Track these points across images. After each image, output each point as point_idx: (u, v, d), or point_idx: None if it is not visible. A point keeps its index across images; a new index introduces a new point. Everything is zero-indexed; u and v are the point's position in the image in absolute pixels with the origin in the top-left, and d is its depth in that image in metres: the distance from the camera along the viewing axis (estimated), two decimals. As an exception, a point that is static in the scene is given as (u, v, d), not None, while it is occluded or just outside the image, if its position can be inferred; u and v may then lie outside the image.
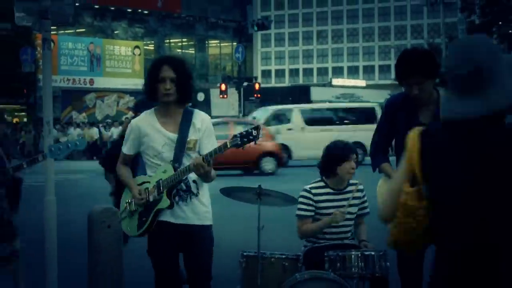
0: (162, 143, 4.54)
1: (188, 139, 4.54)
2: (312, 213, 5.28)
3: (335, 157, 5.28)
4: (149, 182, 4.56)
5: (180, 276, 4.68)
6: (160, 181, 4.49)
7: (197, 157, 4.38)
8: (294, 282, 4.71)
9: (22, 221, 5.95)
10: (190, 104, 4.84)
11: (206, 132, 4.61)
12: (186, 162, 4.50)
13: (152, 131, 4.57)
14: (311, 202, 5.29)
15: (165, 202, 4.48)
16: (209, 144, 4.52)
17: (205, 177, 4.43)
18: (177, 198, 4.50)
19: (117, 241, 5.27)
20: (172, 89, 4.49)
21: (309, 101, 55.10)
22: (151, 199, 4.50)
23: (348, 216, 5.28)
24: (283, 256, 5.02)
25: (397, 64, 4.64)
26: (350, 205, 5.28)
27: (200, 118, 4.63)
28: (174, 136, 4.55)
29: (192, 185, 4.52)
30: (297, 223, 5.33)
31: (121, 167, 4.74)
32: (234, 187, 5.16)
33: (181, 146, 4.53)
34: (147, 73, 4.68)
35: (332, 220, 5.14)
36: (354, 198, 5.33)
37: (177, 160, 4.50)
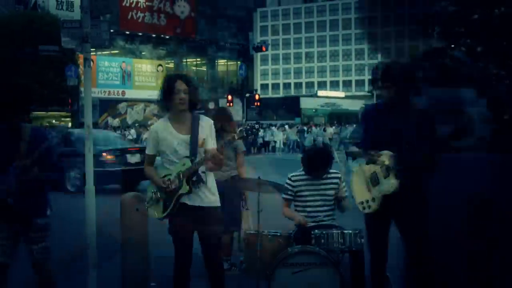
0: (176, 143, 4.55)
1: (199, 138, 4.57)
2: (291, 197, 5.39)
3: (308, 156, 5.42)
4: (170, 174, 4.56)
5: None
6: (180, 172, 4.50)
7: (212, 149, 4.45)
8: (287, 255, 4.73)
9: (67, 205, 5.96)
10: (202, 111, 4.84)
11: (210, 132, 4.64)
12: (198, 156, 4.54)
13: (168, 135, 4.58)
14: (290, 188, 5.38)
15: (185, 188, 4.49)
16: (211, 142, 4.59)
17: (218, 166, 4.50)
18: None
19: (143, 221, 5.27)
20: (185, 98, 4.53)
21: (299, 108, 55.01)
22: (173, 187, 4.51)
23: (325, 198, 5.35)
24: (278, 234, 5.04)
25: (378, 71, 4.61)
26: (327, 190, 5.36)
27: (205, 121, 4.66)
28: (186, 137, 4.56)
29: (202, 175, 4.55)
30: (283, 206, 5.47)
31: (148, 167, 4.71)
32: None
33: (195, 143, 4.55)
34: (163, 87, 4.64)
35: (296, 221, 5.26)
36: (331, 184, 5.38)
37: (193, 154, 4.52)
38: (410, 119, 4.39)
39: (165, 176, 4.58)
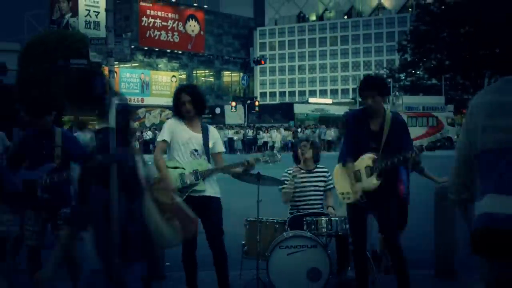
0: (187, 137, 4.52)
1: (209, 140, 4.56)
2: (292, 187, 5.29)
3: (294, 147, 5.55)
4: (183, 168, 4.48)
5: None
6: (198, 172, 4.45)
7: (245, 163, 4.49)
8: (282, 239, 4.73)
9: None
10: (210, 116, 4.83)
11: (217, 140, 4.64)
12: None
13: (181, 129, 4.54)
14: (288, 177, 5.33)
15: (201, 186, 4.47)
16: (219, 147, 4.62)
17: (238, 177, 4.60)
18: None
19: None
20: (190, 108, 4.51)
21: (292, 113, 54.95)
22: (188, 182, 4.45)
23: (317, 189, 5.32)
24: (275, 221, 5.04)
25: (361, 82, 4.52)
26: (318, 181, 5.34)
27: (212, 131, 4.68)
28: (198, 135, 4.54)
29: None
30: (282, 194, 5.36)
31: (159, 156, 4.56)
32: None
33: (206, 143, 4.54)
34: (173, 98, 4.64)
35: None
36: (321, 177, 5.38)
37: (206, 152, 4.53)
38: (386, 123, 4.37)
39: (176, 168, 4.49)
